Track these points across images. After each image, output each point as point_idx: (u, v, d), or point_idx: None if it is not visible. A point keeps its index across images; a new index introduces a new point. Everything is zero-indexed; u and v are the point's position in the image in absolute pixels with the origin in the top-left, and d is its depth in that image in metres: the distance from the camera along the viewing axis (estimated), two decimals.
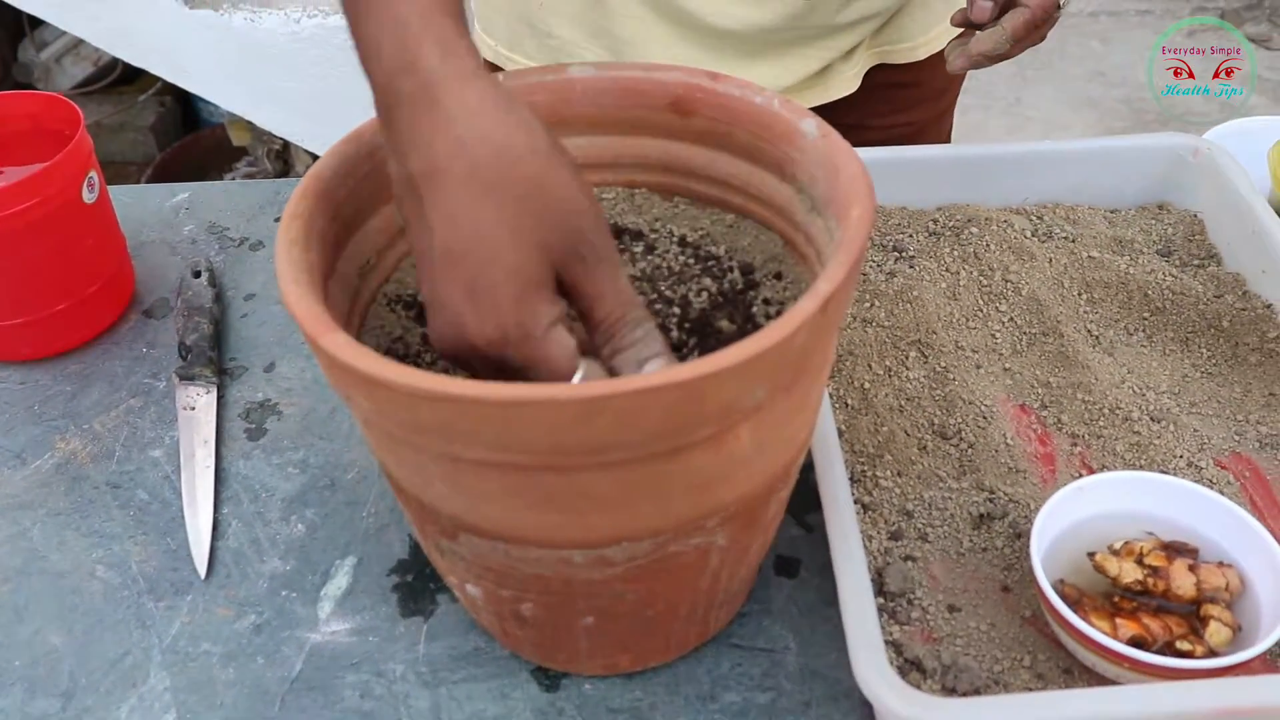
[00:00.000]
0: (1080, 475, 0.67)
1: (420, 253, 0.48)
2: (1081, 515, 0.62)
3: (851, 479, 0.67)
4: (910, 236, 0.84)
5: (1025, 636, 0.60)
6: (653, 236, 0.62)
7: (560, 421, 0.43)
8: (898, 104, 1.00)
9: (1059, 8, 0.77)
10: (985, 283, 0.80)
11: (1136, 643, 0.55)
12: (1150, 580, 0.58)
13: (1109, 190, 0.87)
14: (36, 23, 2.39)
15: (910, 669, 0.58)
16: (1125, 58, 2.83)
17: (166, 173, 2.29)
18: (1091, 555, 0.60)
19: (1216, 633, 0.56)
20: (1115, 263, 0.80)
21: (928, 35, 0.95)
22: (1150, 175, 0.87)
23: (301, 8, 1.87)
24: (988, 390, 0.73)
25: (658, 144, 0.61)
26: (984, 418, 0.71)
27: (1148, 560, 0.59)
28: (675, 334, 0.56)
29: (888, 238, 0.84)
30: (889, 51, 0.95)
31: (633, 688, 0.61)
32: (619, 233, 0.62)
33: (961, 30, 0.79)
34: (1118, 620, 0.57)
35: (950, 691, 0.57)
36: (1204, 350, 0.76)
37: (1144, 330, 0.78)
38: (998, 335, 0.77)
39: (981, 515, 0.65)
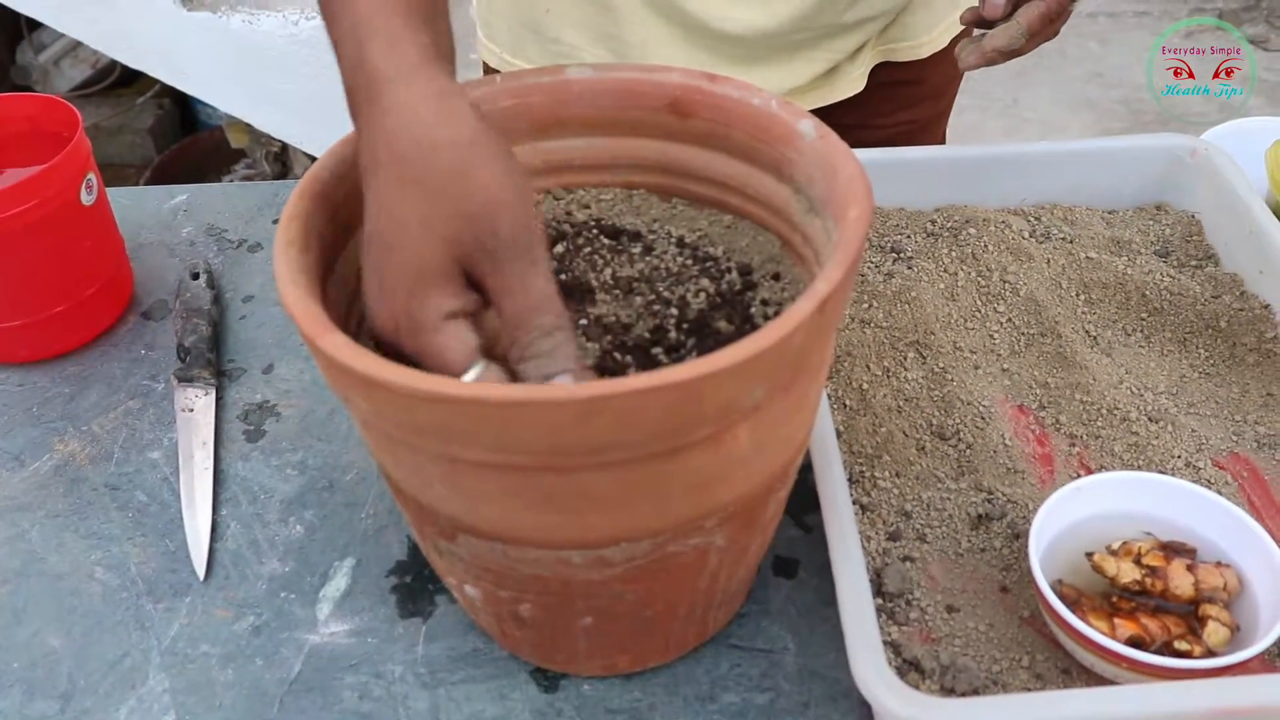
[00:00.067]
0: (1078, 475, 0.67)
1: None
2: (1080, 515, 0.62)
3: (850, 480, 0.67)
4: (908, 237, 0.84)
5: (1024, 637, 0.60)
6: (651, 237, 0.62)
7: (559, 422, 0.43)
8: (900, 102, 1.00)
9: (1073, 1, 0.77)
10: (983, 283, 0.80)
11: (1135, 643, 0.55)
12: (1148, 580, 0.58)
13: (1107, 191, 0.87)
14: (35, 25, 2.39)
15: (909, 669, 0.58)
16: (1123, 59, 2.83)
17: (165, 175, 2.29)
18: (1090, 555, 0.60)
19: (1214, 633, 0.56)
20: (1113, 263, 0.80)
21: (931, 33, 0.95)
22: (1148, 176, 0.87)
23: (299, 10, 1.87)
24: (986, 391, 0.73)
25: (656, 145, 0.61)
26: (982, 418, 0.71)
27: (1146, 560, 0.59)
28: (673, 335, 0.56)
29: (886, 239, 0.84)
30: (893, 50, 0.96)
31: (631, 688, 0.61)
32: (616, 233, 0.62)
33: (963, 28, 0.79)
34: (1116, 620, 0.57)
35: (949, 692, 0.57)
36: (1202, 350, 0.76)
37: (1142, 331, 0.78)
38: (996, 336, 0.77)
39: (980, 516, 0.65)
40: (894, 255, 0.82)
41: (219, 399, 0.79)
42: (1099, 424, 0.71)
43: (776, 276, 0.59)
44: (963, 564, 0.63)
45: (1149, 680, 0.54)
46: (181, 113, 2.55)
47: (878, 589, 0.61)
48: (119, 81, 2.45)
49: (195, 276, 0.86)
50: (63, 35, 2.26)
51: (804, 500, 0.67)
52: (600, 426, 0.43)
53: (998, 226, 0.83)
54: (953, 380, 0.73)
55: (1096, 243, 0.83)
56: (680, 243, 0.61)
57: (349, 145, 0.56)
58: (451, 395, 0.43)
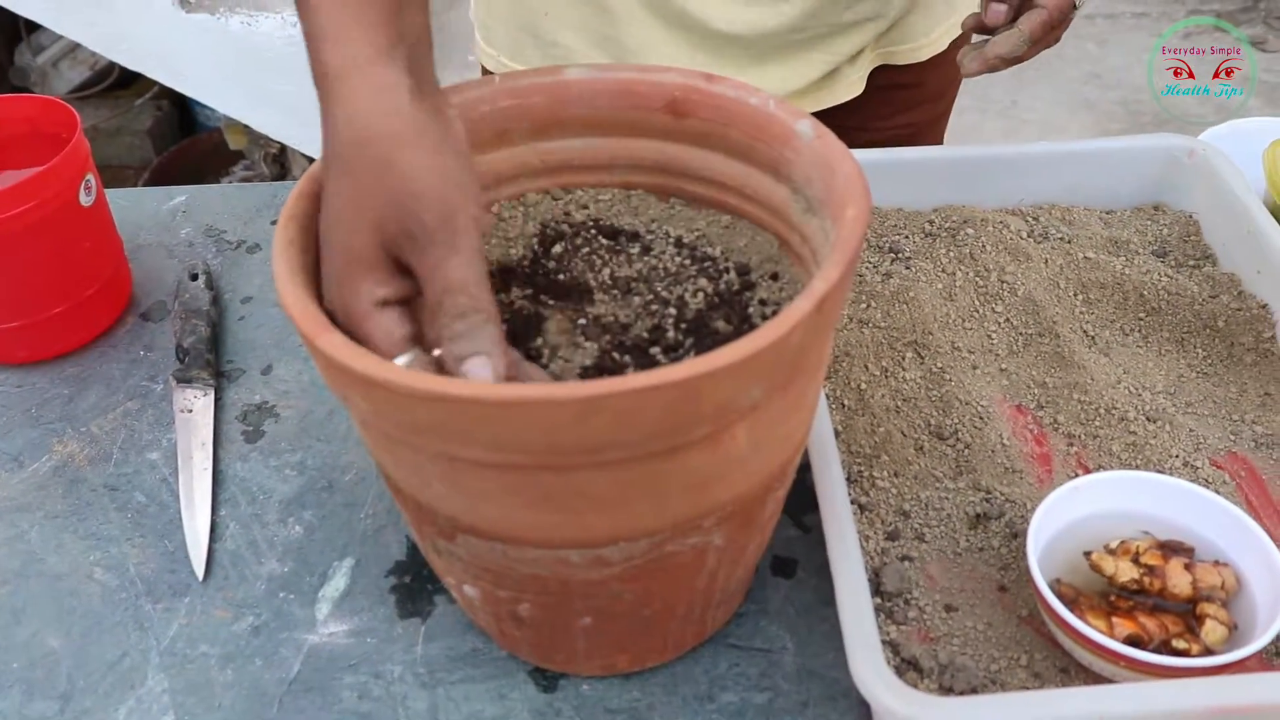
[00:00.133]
0: (1076, 475, 0.67)
1: None
2: (1078, 515, 0.62)
3: (848, 479, 0.67)
4: (906, 238, 0.84)
5: (1022, 636, 0.60)
6: (649, 237, 0.62)
7: (557, 421, 0.43)
8: (899, 105, 1.00)
9: (1074, 8, 0.77)
10: (981, 283, 0.80)
11: (1133, 641, 0.56)
12: (1146, 579, 0.58)
13: (1104, 191, 0.87)
14: (33, 27, 2.39)
15: (907, 668, 0.58)
16: (1121, 60, 2.83)
17: (163, 177, 2.29)
18: (1088, 554, 0.60)
19: (1212, 631, 0.57)
20: (1111, 263, 0.80)
21: (930, 36, 0.95)
22: (1146, 176, 0.87)
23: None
24: (984, 391, 0.73)
25: (654, 145, 0.61)
26: (980, 418, 0.71)
27: (1144, 559, 0.59)
28: (672, 334, 0.56)
29: (884, 239, 0.84)
30: (892, 53, 0.96)
31: (630, 688, 0.62)
32: (615, 233, 0.62)
33: (963, 33, 0.79)
34: (1114, 619, 0.57)
35: (947, 691, 0.57)
36: (1199, 350, 0.76)
37: (1140, 330, 0.78)
38: (994, 336, 0.77)
39: (978, 515, 0.65)
40: (892, 255, 0.82)
41: (218, 400, 0.79)
42: (1097, 423, 0.71)
43: (774, 276, 0.59)
44: (961, 563, 0.63)
45: (1147, 679, 0.55)
46: (180, 114, 2.56)
47: (876, 588, 0.61)
48: (117, 83, 2.45)
49: (194, 277, 0.87)
50: (61, 37, 2.26)
51: (802, 500, 0.67)
52: (598, 425, 0.43)
53: (996, 227, 0.83)
54: (951, 380, 0.73)
55: (1094, 243, 0.83)
56: (678, 243, 0.62)
57: None
58: (450, 395, 0.43)
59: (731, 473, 0.50)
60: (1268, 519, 0.66)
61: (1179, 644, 0.56)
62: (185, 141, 2.47)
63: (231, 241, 0.94)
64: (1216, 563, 0.59)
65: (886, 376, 0.74)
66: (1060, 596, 0.57)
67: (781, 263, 0.59)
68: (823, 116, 0.56)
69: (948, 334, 0.77)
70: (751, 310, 0.57)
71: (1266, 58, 2.80)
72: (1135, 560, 0.59)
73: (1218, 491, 0.64)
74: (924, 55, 0.96)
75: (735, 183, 0.60)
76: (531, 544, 0.51)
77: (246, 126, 2.10)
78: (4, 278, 0.79)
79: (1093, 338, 0.77)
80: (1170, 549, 0.60)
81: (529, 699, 0.61)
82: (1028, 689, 0.57)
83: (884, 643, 0.58)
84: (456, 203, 0.49)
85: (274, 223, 0.66)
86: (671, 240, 0.62)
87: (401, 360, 0.48)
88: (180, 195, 0.99)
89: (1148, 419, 0.71)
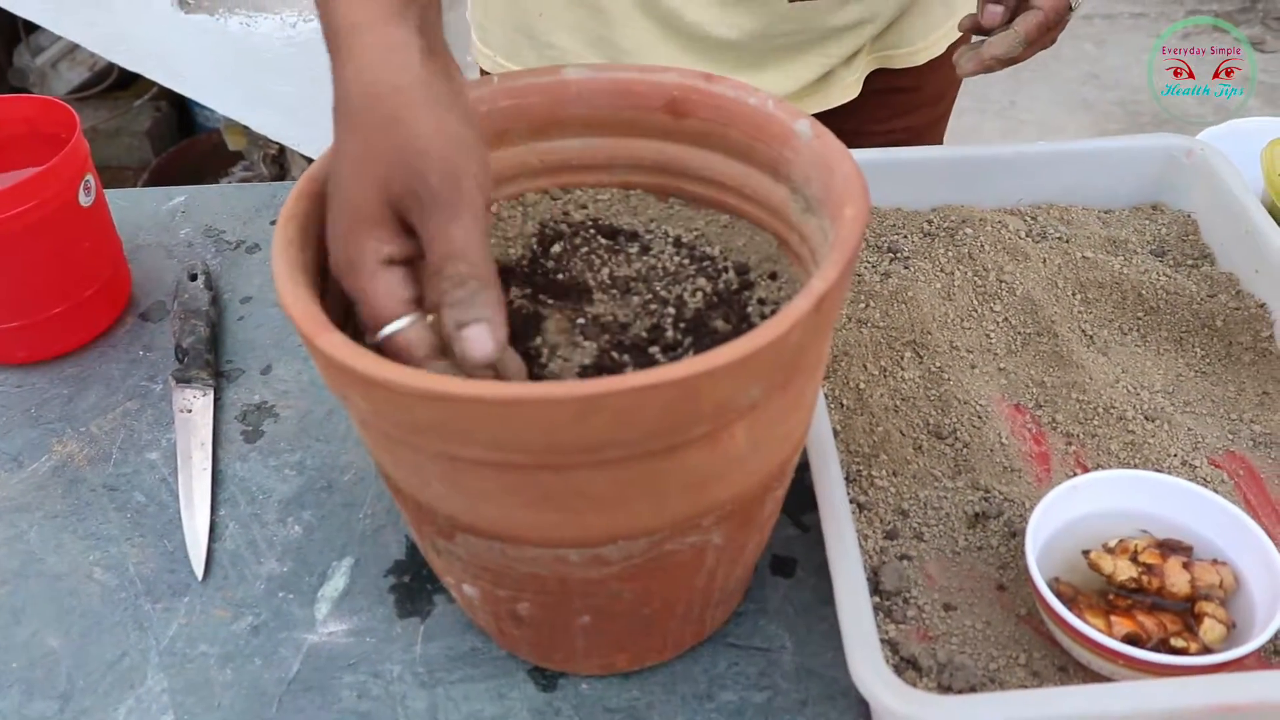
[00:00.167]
0: (1075, 474, 0.67)
1: None
2: (1076, 514, 0.62)
3: (847, 479, 0.67)
4: (905, 237, 0.84)
5: (1021, 634, 0.60)
6: (648, 237, 0.62)
7: (556, 420, 0.43)
8: (896, 109, 1.00)
9: (1070, 9, 0.77)
10: (980, 283, 0.80)
11: (1131, 640, 0.56)
12: (1145, 578, 0.58)
13: (1103, 191, 0.88)
14: (32, 28, 2.39)
15: (906, 667, 0.58)
16: (1120, 60, 2.83)
17: (162, 177, 2.29)
18: (1086, 553, 0.60)
19: (1211, 630, 0.57)
20: (1109, 263, 0.81)
21: (927, 40, 0.95)
22: (1144, 176, 0.87)
23: (297, 12, 1.88)
24: (983, 390, 0.73)
25: (653, 145, 0.61)
26: (979, 417, 0.71)
27: (1142, 558, 0.59)
28: (671, 334, 0.56)
29: (883, 239, 0.84)
30: (889, 56, 0.96)
31: (629, 687, 0.62)
32: (614, 233, 0.62)
33: (961, 35, 0.80)
34: (1113, 618, 0.57)
35: (946, 689, 0.57)
36: (1198, 349, 0.77)
37: (1138, 330, 0.78)
38: (992, 335, 0.77)
39: (977, 514, 0.65)
40: (891, 255, 0.83)
41: (217, 400, 0.79)
42: (1095, 422, 0.71)
43: (773, 275, 0.59)
44: (960, 562, 0.63)
45: (1145, 677, 0.55)
46: (179, 115, 2.56)
47: (875, 587, 0.61)
48: (116, 84, 2.45)
49: (193, 278, 0.87)
50: (60, 38, 2.26)
51: (801, 499, 0.67)
52: (598, 424, 0.43)
53: (994, 226, 0.84)
54: (949, 379, 0.73)
55: (1093, 242, 0.83)
56: (677, 242, 0.62)
57: None
58: (450, 394, 0.43)
59: (730, 472, 0.50)
60: (1266, 518, 0.66)
61: (1177, 642, 0.56)
62: (184, 142, 2.47)
63: (231, 242, 0.94)
64: (1215, 561, 0.60)
65: (885, 376, 0.74)
66: (1059, 595, 0.57)
67: (780, 262, 0.59)
68: (819, 120, 0.56)
69: (946, 333, 0.77)
70: (750, 309, 0.57)
71: (1265, 58, 2.80)
72: (1134, 559, 0.59)
73: (1216, 490, 0.65)
74: (921, 59, 0.96)
75: (734, 182, 0.60)
76: (531, 543, 0.51)
77: (245, 127, 2.10)
78: (4, 278, 0.79)
79: (1091, 337, 0.77)
80: (1168, 548, 0.60)
81: (528, 698, 0.61)
82: (1026, 687, 0.57)
83: (883, 641, 0.58)
84: (462, 165, 0.48)
85: (273, 223, 0.66)
86: (670, 240, 0.62)
87: (400, 324, 0.48)
88: (179, 196, 0.99)
89: (1146, 418, 0.71)
